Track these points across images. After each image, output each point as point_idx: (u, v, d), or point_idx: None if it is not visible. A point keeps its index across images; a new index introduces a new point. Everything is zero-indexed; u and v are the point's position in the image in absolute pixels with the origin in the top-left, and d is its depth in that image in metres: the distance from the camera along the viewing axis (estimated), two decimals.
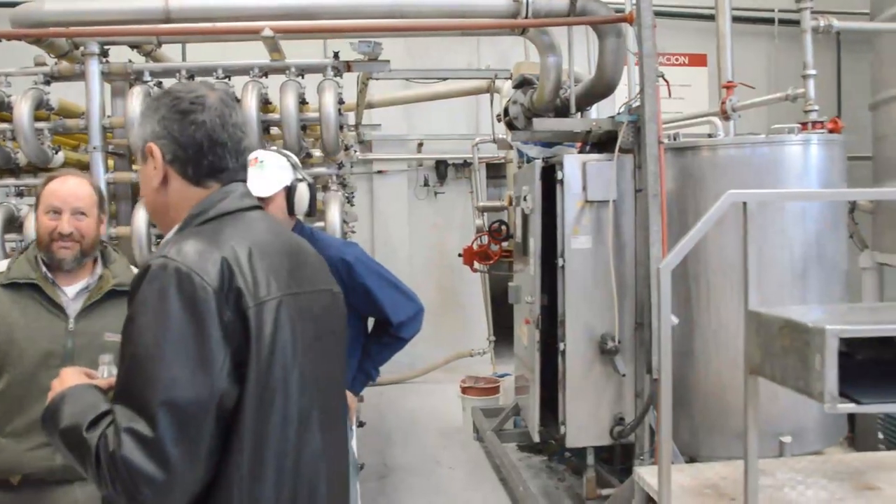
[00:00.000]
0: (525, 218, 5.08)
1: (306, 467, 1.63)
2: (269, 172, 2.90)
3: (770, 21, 9.88)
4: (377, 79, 6.93)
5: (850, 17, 8.69)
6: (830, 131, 5.20)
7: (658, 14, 9.32)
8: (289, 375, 1.59)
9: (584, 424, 4.73)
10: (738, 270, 2.82)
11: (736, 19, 9.44)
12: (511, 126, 5.21)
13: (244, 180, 1.75)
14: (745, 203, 2.85)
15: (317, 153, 5.06)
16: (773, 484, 3.61)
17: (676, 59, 9.89)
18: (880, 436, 5.37)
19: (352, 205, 8.25)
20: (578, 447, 4.92)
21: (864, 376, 2.64)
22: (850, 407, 2.46)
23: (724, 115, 5.54)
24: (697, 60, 9.92)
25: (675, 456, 4.66)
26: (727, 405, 4.68)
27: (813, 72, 5.49)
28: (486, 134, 8.10)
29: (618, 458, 5.28)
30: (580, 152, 4.86)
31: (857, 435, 5.50)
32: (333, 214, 4.55)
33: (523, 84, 5.22)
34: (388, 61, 5.09)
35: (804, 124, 5.23)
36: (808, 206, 4.79)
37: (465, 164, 9.44)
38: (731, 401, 4.59)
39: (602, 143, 4.72)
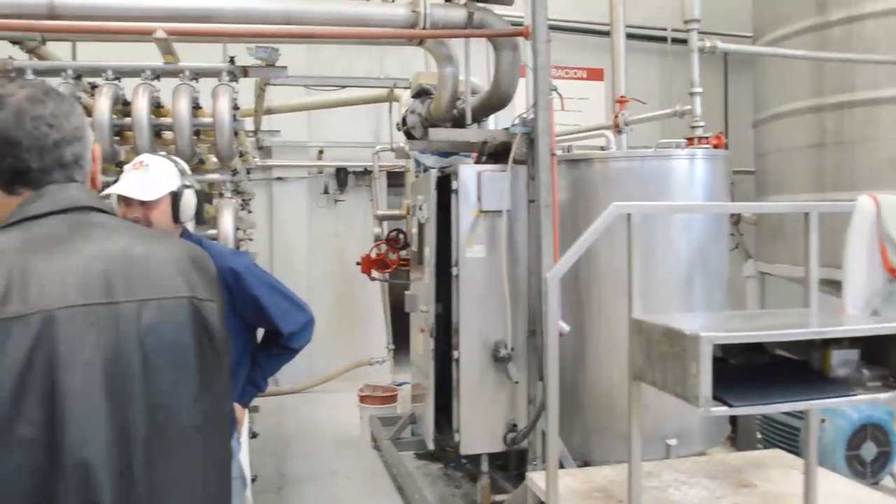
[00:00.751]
0: (421, 227, 5.11)
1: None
2: (153, 177, 2.83)
3: (664, 39, 10.26)
4: (275, 84, 6.86)
5: (735, 40, 9.14)
6: (715, 147, 5.42)
7: (558, 29, 9.66)
8: (74, 398, 1.37)
9: (479, 431, 4.78)
10: (639, 280, 2.91)
11: (631, 36, 9.77)
12: (409, 135, 5.24)
13: (67, 180, 1.57)
14: (629, 215, 2.96)
15: (213, 158, 4.96)
16: (659, 485, 3.74)
17: (575, 73, 10.16)
18: (759, 435, 5.63)
19: (249, 211, 8.11)
20: (473, 454, 4.97)
21: (739, 380, 2.78)
22: (723, 410, 2.57)
23: (617, 129, 5.73)
24: (595, 75, 10.21)
25: (567, 460, 4.77)
26: (617, 410, 4.82)
27: (699, 89, 5.72)
28: (387, 142, 8.12)
29: (513, 464, 5.36)
30: (476, 163, 4.92)
31: (739, 435, 5.73)
32: (226, 222, 4.47)
33: (421, 94, 5.27)
34: (286, 67, 5.05)
35: (690, 139, 5.45)
36: (693, 217, 5.00)
37: (366, 172, 9.42)
38: (622, 406, 4.70)
39: (498, 153, 4.80)
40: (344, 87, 8.01)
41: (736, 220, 9.11)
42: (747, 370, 2.89)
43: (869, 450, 4.79)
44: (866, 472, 4.77)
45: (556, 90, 4.43)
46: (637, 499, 2.98)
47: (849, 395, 2.75)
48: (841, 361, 2.85)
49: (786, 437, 5.13)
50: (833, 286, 4.98)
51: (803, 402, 2.79)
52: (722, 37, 8.53)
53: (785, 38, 8.07)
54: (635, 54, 10.15)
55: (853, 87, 7.42)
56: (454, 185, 4.65)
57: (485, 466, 4.98)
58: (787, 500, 3.41)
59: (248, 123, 7.83)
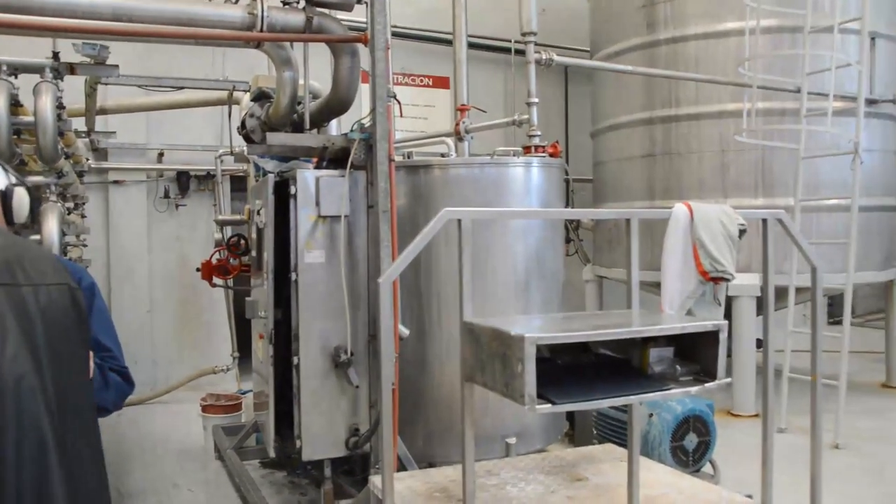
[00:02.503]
0: (259, 232, 5.03)
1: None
2: None
3: (508, 50, 10.57)
4: (108, 84, 6.55)
5: (576, 54, 9.56)
6: (551, 155, 5.64)
7: (406, 36, 9.75)
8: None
9: (320, 437, 4.75)
10: (470, 284, 2.97)
11: (478, 46, 10.06)
12: (248, 139, 5.14)
13: None
14: (459, 220, 3.03)
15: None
16: (498, 483, 3.82)
17: (422, 81, 10.29)
18: (595, 431, 5.89)
19: (83, 216, 7.71)
20: (315, 460, 4.93)
21: (565, 379, 2.90)
22: (547, 408, 2.67)
23: (459, 137, 5.85)
24: (441, 83, 10.38)
25: (410, 463, 4.82)
26: (458, 412, 4.90)
27: (535, 100, 5.94)
28: (233, 146, 7.91)
29: (359, 468, 5.35)
30: (317, 168, 4.89)
31: (576, 432, 5.98)
32: (50, 227, 4.23)
33: (261, 97, 5.17)
34: (117, 66, 4.84)
35: (528, 148, 5.64)
36: (530, 223, 5.18)
37: (209, 177, 9.16)
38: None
39: (338, 159, 4.78)
40: (181, 88, 7.75)
41: (576, 226, 9.51)
42: (574, 369, 3.03)
43: (691, 440, 5.09)
44: (689, 460, 5.07)
45: (394, 97, 4.47)
46: (472, 497, 3.03)
47: (663, 390, 2.92)
48: (657, 358, 3.03)
49: (618, 431, 5.38)
50: (658, 288, 5.30)
51: (622, 398, 2.93)
52: (562, 50, 8.91)
53: (619, 54, 8.54)
54: (483, 64, 10.43)
55: (678, 102, 7.94)
56: (292, 189, 4.60)
57: (328, 472, 4.95)
58: (615, 491, 3.56)
59: (80, 124, 7.43)
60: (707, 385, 2.90)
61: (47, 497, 1.63)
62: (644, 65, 8.05)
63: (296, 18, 4.53)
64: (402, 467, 4.67)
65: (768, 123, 7.56)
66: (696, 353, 3.01)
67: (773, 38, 7.65)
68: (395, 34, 9.06)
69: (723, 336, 2.88)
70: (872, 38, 7.93)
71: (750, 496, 3.49)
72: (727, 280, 3.96)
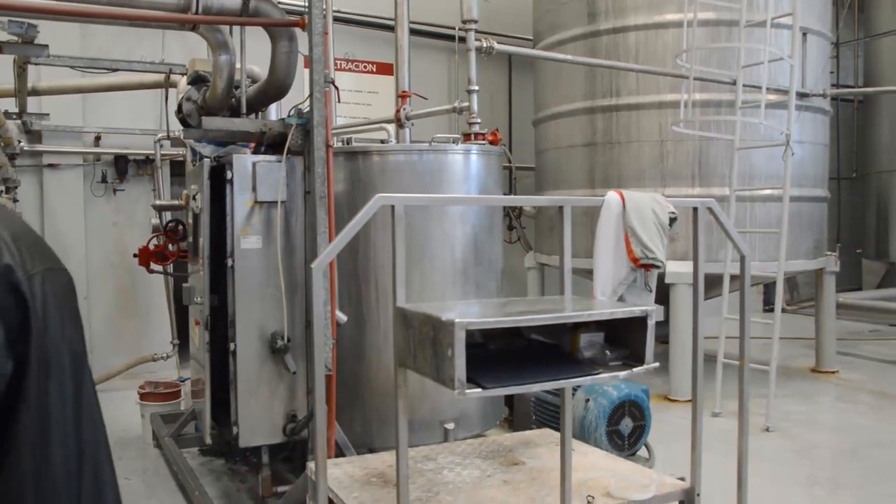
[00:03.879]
0: (196, 217, 4.97)
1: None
2: None
3: (452, 38, 10.55)
4: (39, 64, 6.38)
5: (520, 42, 9.61)
6: (491, 143, 5.68)
7: (350, 22, 9.69)
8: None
9: (257, 424, 4.73)
10: (403, 269, 2.98)
11: (421, 33, 10.04)
12: (185, 123, 5.06)
13: None
14: (393, 206, 3.03)
15: None
16: (435, 467, 3.86)
17: (366, 67, 10.23)
18: (533, 416, 5.97)
19: (15, 200, 7.51)
20: (253, 447, 4.91)
21: (498, 364, 2.94)
22: (477, 392, 2.70)
23: (399, 123, 5.84)
24: (385, 69, 10.32)
25: (348, 449, 4.83)
26: None
27: (476, 87, 5.96)
28: (171, 130, 7.78)
29: (298, 455, 5.34)
30: (255, 153, 4.85)
31: (515, 417, 6.05)
32: None
33: (198, 81, 5.10)
34: (46, 46, 4.72)
35: (468, 135, 5.67)
36: (468, 210, 5.22)
37: (148, 161, 8.97)
38: None
39: (277, 144, 4.75)
40: (116, 70, 7.57)
41: (518, 213, 9.59)
42: (506, 355, 3.06)
43: (627, 425, 5.19)
44: (624, 444, 5.17)
45: (333, 83, 4.45)
46: (405, 481, 3.05)
47: (592, 374, 2.97)
48: (588, 343, 3.08)
49: (555, 416, 5.45)
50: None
51: (551, 382, 2.98)
52: (505, 38, 8.95)
53: (561, 44, 8.61)
54: (427, 51, 10.42)
55: (619, 92, 8.04)
56: (229, 174, 4.55)
57: (265, 458, 4.93)
58: (550, 475, 3.62)
59: (12, 105, 7.22)
60: (635, 370, 2.96)
61: None
62: (586, 55, 8.14)
63: (232, 1, 4.47)
64: (340, 453, 4.68)
65: (705, 114, 7.71)
66: (627, 339, 3.07)
67: (711, 31, 7.80)
68: (339, 19, 9.03)
69: (651, 322, 2.95)
70: (804, 34, 8.14)
71: (682, 478, 3.58)
72: (657, 267, 4.05)
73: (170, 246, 6.22)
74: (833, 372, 8.95)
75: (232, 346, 4.64)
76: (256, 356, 4.66)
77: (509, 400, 6.06)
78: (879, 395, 8.04)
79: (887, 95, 12.72)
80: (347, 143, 5.28)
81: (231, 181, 4.54)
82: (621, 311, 3.02)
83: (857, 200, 14.31)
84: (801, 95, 8.05)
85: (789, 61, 7.22)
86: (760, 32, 7.24)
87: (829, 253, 8.96)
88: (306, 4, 4.51)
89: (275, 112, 5.68)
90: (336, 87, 4.52)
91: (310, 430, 4.70)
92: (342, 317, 4.58)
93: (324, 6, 4.42)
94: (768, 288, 11.18)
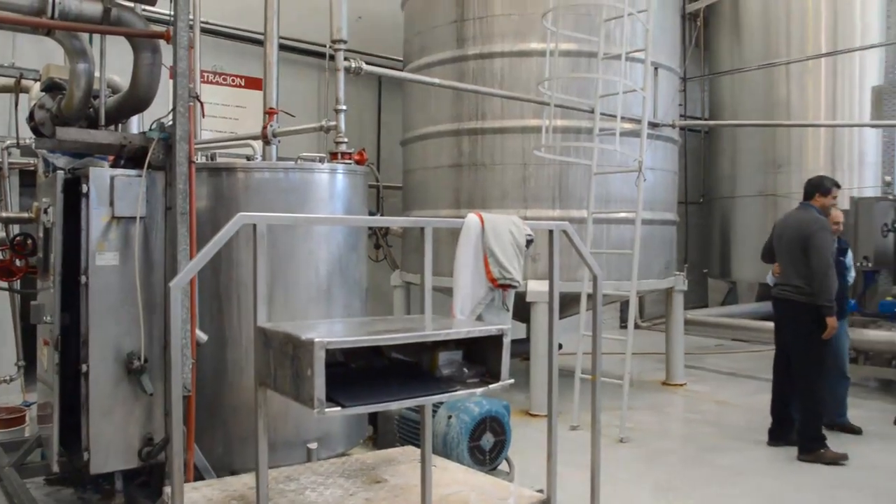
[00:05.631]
0: (46, 232, 4.74)
1: None
2: None
3: (323, 55, 10.53)
4: None
5: (388, 62, 9.72)
6: (357, 162, 5.72)
7: (218, 33, 9.49)
8: None
9: (111, 448, 4.54)
10: (264, 288, 2.96)
11: (293, 49, 9.99)
12: (37, 132, 4.83)
13: None
14: (255, 225, 3.03)
15: None
16: (297, 488, 3.82)
17: (233, 80, 10.06)
18: (398, 434, 6.02)
19: None
20: (106, 473, 4.71)
21: (359, 383, 2.97)
22: (336, 410, 2.72)
23: (266, 140, 5.80)
24: (254, 84, 10.16)
25: (208, 471, 4.72)
26: None
27: (343, 107, 6.00)
28: (22, 138, 7.37)
29: (156, 479, 5.16)
30: (114, 166, 4.68)
31: (379, 435, 6.08)
32: None
33: (52, 88, 4.89)
34: None
35: (334, 154, 5.69)
36: (333, 230, 5.23)
37: None
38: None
39: (137, 158, 4.60)
40: None
41: (384, 232, 9.66)
42: (368, 373, 3.11)
43: (488, 440, 5.32)
44: (486, 459, 5.30)
45: (197, 97, 4.38)
46: (265, 502, 3.03)
47: (450, 391, 3.06)
48: (447, 361, 3.17)
49: (418, 433, 5.52)
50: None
51: (410, 400, 3.04)
52: (376, 58, 9.03)
53: (430, 66, 8.78)
54: (298, 68, 10.36)
55: (484, 115, 8.28)
56: (84, 188, 4.37)
57: (119, 485, 4.74)
58: (411, 491, 3.67)
59: None
60: (491, 386, 3.07)
61: None
62: (453, 78, 8.33)
63: (92, 8, 4.32)
64: (199, 476, 4.57)
65: (565, 140, 8.06)
66: (484, 356, 3.17)
67: (572, 61, 8.16)
68: (207, 31, 8.87)
69: (506, 340, 3.07)
70: (655, 68, 8.65)
71: (541, 490, 3.71)
72: (514, 287, 4.19)
73: (17, 261, 5.88)
74: (681, 384, 9.48)
75: (84, 367, 4.44)
76: (111, 377, 4.48)
77: (373, 419, 6.09)
78: (722, 404, 8.59)
79: (728, 128, 13.71)
80: (212, 159, 5.20)
81: (87, 195, 4.36)
82: (478, 330, 3.13)
83: (704, 224, 15.26)
84: (653, 125, 8.54)
85: (642, 93, 7.66)
86: (617, 65, 7.64)
87: (677, 273, 9.51)
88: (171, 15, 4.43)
89: (136, 124, 5.51)
90: (201, 102, 4.45)
91: (167, 454, 4.57)
92: (202, 336, 4.49)
93: (190, 18, 4.35)
94: (624, 306, 11.71)
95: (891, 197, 9.87)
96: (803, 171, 12.77)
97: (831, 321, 6.32)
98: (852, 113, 12.54)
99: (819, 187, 6.71)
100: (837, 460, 6.38)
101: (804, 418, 6.60)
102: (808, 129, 12.61)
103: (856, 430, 7.25)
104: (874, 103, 11.60)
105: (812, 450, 6.45)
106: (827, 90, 12.71)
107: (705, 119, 15.24)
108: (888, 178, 11.66)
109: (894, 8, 12.40)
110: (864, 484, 5.95)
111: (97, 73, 4.70)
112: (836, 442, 6.62)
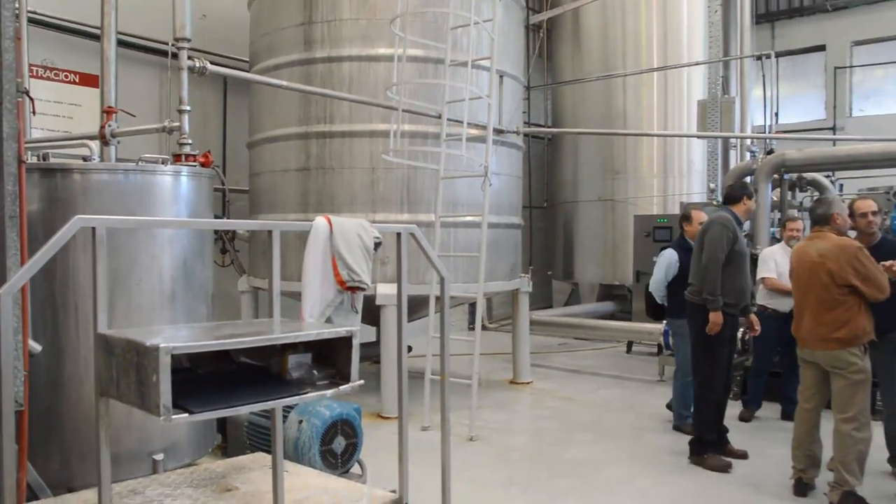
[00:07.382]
0: None
1: None
2: None
3: (166, 53, 10.17)
4: None
5: (234, 63, 9.52)
6: (202, 165, 5.58)
7: (49, 25, 8.97)
8: None
9: None
10: (105, 294, 2.84)
11: (133, 46, 9.58)
12: None
13: None
14: (94, 228, 2.91)
15: None
16: (143, 501, 3.69)
17: (67, 77, 9.52)
18: (248, 441, 5.92)
19: None
20: None
21: (207, 388, 2.92)
22: (184, 417, 2.66)
23: (104, 140, 5.56)
24: (89, 81, 9.65)
25: (41, 489, 4.46)
26: None
27: (187, 108, 5.84)
28: None
29: None
30: None
31: (229, 443, 5.95)
32: None
33: None
34: None
35: (178, 156, 5.53)
36: (177, 233, 5.08)
37: None
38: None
39: None
40: None
41: (231, 237, 9.44)
42: (216, 379, 3.06)
43: (340, 443, 5.32)
44: (338, 463, 5.30)
45: (26, 92, 4.13)
46: None
47: (300, 394, 3.07)
48: (296, 364, 3.18)
49: (269, 439, 5.45)
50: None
51: (260, 403, 3.02)
52: (222, 58, 8.81)
53: (277, 68, 8.69)
54: (138, 65, 9.95)
55: (333, 119, 8.29)
56: None
57: None
58: (264, 497, 3.63)
59: None
60: (341, 388, 3.10)
61: None
62: (301, 81, 8.27)
63: None
64: (33, 496, 4.32)
65: (413, 144, 8.19)
66: (334, 359, 3.20)
67: (420, 67, 8.30)
68: (35, 21, 8.35)
69: (355, 341, 3.11)
70: (501, 76, 8.95)
71: (393, 490, 3.77)
72: (363, 289, 4.24)
73: None
74: (528, 383, 9.83)
75: None
76: None
77: (222, 426, 5.96)
78: (566, 400, 8.98)
79: (570, 135, 14.38)
80: (44, 159, 4.92)
81: None
82: (327, 332, 3.15)
83: (548, 227, 15.91)
84: (498, 131, 8.83)
85: (487, 100, 7.91)
86: (463, 72, 7.85)
87: (523, 275, 9.85)
88: None
89: None
90: (31, 98, 4.21)
91: None
92: (36, 346, 4.25)
93: (16, 6, 4.11)
94: (472, 308, 12.01)
95: (715, 203, 10.63)
96: (639, 178, 13.64)
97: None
98: (681, 124, 13.51)
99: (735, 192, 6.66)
100: (722, 468, 6.29)
101: (696, 421, 6.62)
102: (643, 138, 13.44)
103: None
104: (699, 116, 12.51)
105: (699, 453, 6.45)
106: (659, 102, 13.63)
107: (548, 126, 15.91)
108: (712, 185, 12.61)
109: (715, 31, 13.45)
110: (707, 479, 6.21)
111: None
112: None
